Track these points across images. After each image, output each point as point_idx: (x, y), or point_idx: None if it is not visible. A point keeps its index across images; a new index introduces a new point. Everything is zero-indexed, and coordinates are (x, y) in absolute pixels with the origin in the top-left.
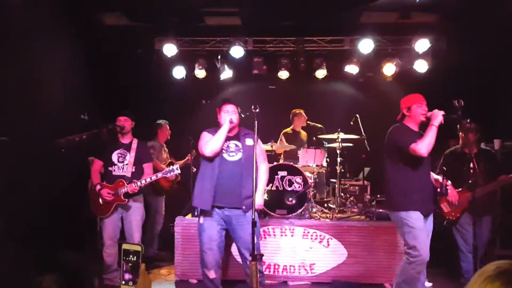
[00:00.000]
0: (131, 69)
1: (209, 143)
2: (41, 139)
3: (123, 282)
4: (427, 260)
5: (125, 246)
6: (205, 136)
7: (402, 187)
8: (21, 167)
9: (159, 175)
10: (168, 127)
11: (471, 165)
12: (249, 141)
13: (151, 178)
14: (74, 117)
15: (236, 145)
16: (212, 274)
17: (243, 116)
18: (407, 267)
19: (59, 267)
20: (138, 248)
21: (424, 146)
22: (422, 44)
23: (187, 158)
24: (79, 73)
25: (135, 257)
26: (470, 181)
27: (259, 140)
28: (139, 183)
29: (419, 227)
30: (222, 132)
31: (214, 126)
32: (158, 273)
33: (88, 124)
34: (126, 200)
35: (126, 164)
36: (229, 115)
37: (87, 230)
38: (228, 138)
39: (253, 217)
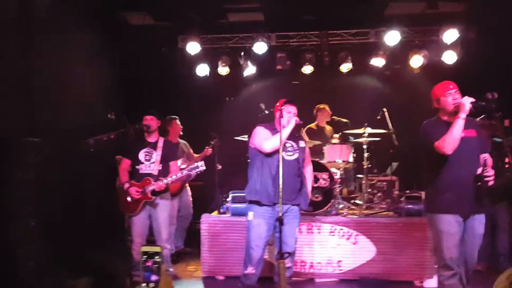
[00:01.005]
0: (156, 68)
1: (271, 140)
2: (70, 140)
3: (144, 284)
4: (455, 270)
5: (144, 248)
6: (261, 131)
7: (434, 186)
8: (51, 167)
9: (184, 172)
10: (178, 122)
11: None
12: (302, 143)
13: (176, 176)
14: (101, 116)
15: (292, 146)
16: (254, 270)
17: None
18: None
19: (93, 270)
20: (158, 249)
21: (446, 142)
22: (450, 35)
23: (204, 151)
24: (105, 72)
25: (155, 258)
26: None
27: (306, 144)
28: (165, 181)
29: (446, 231)
30: (286, 132)
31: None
32: (185, 270)
33: (115, 123)
34: (153, 198)
35: (153, 163)
36: (291, 115)
37: (116, 228)
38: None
39: (280, 214)
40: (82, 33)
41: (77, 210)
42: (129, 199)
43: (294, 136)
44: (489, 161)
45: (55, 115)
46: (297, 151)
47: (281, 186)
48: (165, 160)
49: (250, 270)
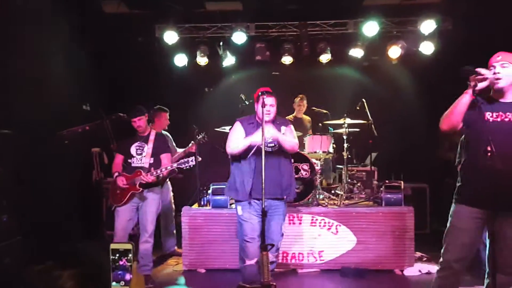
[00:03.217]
0: (132, 58)
1: (237, 144)
2: (43, 131)
3: (114, 283)
4: (456, 269)
5: (113, 246)
6: (235, 130)
7: (459, 172)
8: (24, 159)
9: (174, 165)
10: (168, 116)
11: None
12: (283, 129)
13: (166, 169)
14: (76, 108)
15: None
16: (254, 262)
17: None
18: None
19: (75, 262)
20: (129, 246)
21: (443, 117)
22: (427, 26)
23: (189, 146)
24: (79, 62)
25: (126, 255)
26: None
27: (291, 125)
28: (155, 173)
29: (456, 224)
30: (256, 138)
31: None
32: (166, 264)
33: (90, 115)
34: (141, 189)
35: (144, 156)
36: (266, 108)
37: (94, 221)
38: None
39: (263, 206)
40: (56, 22)
41: (52, 203)
42: (117, 190)
43: (275, 124)
44: None
45: (28, 106)
46: (277, 142)
47: (263, 180)
48: (156, 153)
49: (250, 262)
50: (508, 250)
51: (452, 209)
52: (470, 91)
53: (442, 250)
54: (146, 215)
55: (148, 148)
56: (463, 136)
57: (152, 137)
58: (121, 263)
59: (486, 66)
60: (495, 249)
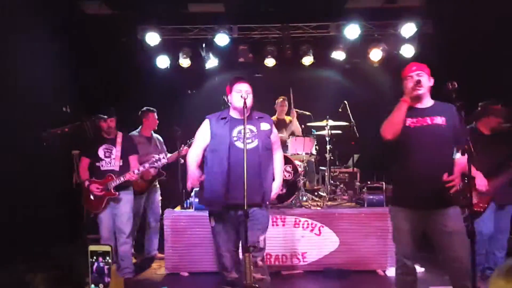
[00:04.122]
0: (114, 59)
1: (189, 157)
2: (23, 133)
3: (93, 286)
4: (409, 266)
5: (92, 248)
6: (199, 132)
7: (392, 177)
8: (2, 161)
9: (146, 165)
10: (156, 116)
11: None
12: (264, 126)
13: (140, 169)
14: (56, 110)
15: (251, 130)
16: (233, 275)
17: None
18: None
19: (50, 265)
20: (107, 248)
21: (385, 126)
22: (408, 29)
23: (180, 149)
24: (60, 64)
25: (105, 258)
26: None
27: (273, 125)
28: (136, 171)
29: (396, 225)
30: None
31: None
32: (148, 267)
33: (70, 117)
34: (117, 193)
35: (113, 159)
36: (241, 96)
37: (74, 225)
38: (240, 122)
39: (244, 207)
40: (36, 23)
41: (31, 205)
42: (92, 197)
43: (254, 118)
44: (460, 163)
45: (6, 108)
46: (257, 137)
47: (246, 183)
48: (125, 155)
49: (230, 275)
50: (451, 242)
51: (390, 211)
52: (406, 98)
53: (395, 248)
54: (121, 217)
55: (117, 150)
56: None
57: (119, 139)
58: (100, 265)
59: (464, 70)
60: (442, 247)
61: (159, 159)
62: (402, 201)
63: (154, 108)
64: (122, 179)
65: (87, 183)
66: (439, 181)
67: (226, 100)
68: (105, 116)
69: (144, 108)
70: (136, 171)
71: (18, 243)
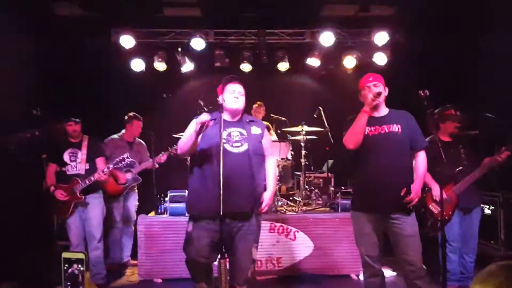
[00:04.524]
0: (86, 61)
1: (181, 141)
2: None
3: None
4: (375, 267)
5: (65, 255)
6: (188, 127)
7: (353, 182)
8: None
9: (110, 166)
10: (141, 124)
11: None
12: (255, 130)
13: (104, 171)
14: (25, 113)
15: (241, 133)
16: (203, 286)
17: (206, 110)
18: None
19: (16, 274)
20: (81, 255)
21: (347, 137)
22: (381, 37)
23: (159, 156)
24: (30, 66)
25: (78, 265)
26: (453, 172)
27: (265, 130)
28: (106, 169)
29: (358, 229)
30: (193, 124)
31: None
32: (120, 274)
33: (41, 120)
34: (83, 197)
35: (79, 163)
36: (234, 96)
37: (43, 232)
38: (230, 125)
39: (221, 212)
40: (4, 23)
41: None
42: (58, 202)
43: (244, 122)
44: (420, 172)
45: None
46: (247, 141)
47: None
48: (91, 158)
49: (198, 286)
50: (406, 245)
51: (351, 216)
52: (367, 108)
53: (359, 251)
54: (91, 221)
55: (82, 154)
56: None
57: (85, 143)
58: (74, 273)
59: (437, 76)
60: (398, 249)
61: (123, 159)
62: (362, 206)
63: (128, 112)
64: (87, 182)
65: (52, 188)
66: (397, 187)
67: (202, 104)
68: (76, 119)
69: (131, 114)
70: (105, 170)
71: None
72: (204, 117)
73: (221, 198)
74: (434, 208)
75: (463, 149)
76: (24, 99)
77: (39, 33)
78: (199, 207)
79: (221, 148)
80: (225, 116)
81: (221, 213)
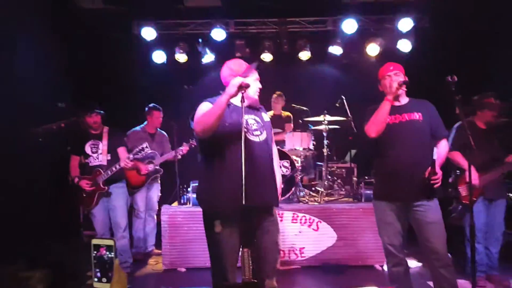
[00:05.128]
0: (109, 54)
1: (203, 117)
2: (17, 129)
3: (96, 279)
4: (399, 256)
5: (95, 241)
6: (203, 107)
7: (374, 172)
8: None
9: (131, 156)
10: (161, 114)
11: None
12: (265, 117)
13: (131, 157)
14: (51, 105)
15: (257, 121)
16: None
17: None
18: None
19: (48, 263)
20: (111, 242)
21: (369, 125)
22: (405, 23)
23: (189, 143)
24: (55, 59)
25: (107, 252)
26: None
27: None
28: (131, 156)
29: (380, 218)
30: (224, 98)
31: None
32: (145, 263)
33: (65, 112)
34: (107, 187)
35: (100, 154)
36: (258, 86)
37: (70, 222)
38: (245, 111)
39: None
40: (29, 17)
41: (26, 202)
42: (83, 194)
43: (255, 108)
44: (440, 158)
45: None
46: (264, 129)
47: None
48: (112, 148)
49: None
50: (429, 233)
51: (374, 205)
52: (390, 97)
53: (382, 241)
54: (115, 211)
55: (103, 145)
56: None
57: (105, 134)
58: (104, 259)
59: (461, 63)
60: (421, 237)
61: (142, 149)
62: (385, 194)
63: (149, 103)
64: (109, 172)
65: (76, 179)
66: (419, 174)
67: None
68: (97, 111)
69: (151, 105)
70: (130, 157)
71: (16, 241)
72: (239, 79)
73: (244, 190)
74: (463, 190)
75: (497, 139)
76: (49, 92)
77: (62, 27)
78: (224, 202)
79: (243, 136)
80: (238, 103)
81: (245, 206)
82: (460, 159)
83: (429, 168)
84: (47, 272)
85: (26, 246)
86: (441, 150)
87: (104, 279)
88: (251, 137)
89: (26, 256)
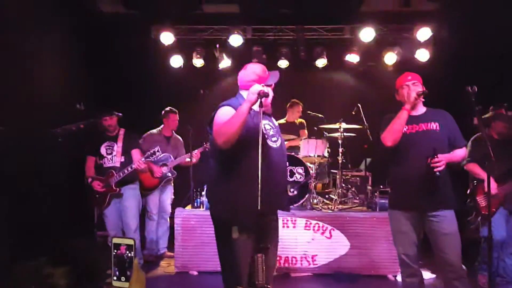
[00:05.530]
0: (128, 58)
1: (223, 129)
2: (37, 129)
3: (115, 278)
4: (413, 266)
5: (115, 240)
6: (224, 113)
7: (389, 181)
8: (17, 156)
9: (142, 159)
10: (177, 117)
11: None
12: (275, 122)
13: (139, 162)
14: (70, 106)
15: (271, 126)
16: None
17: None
18: None
19: (69, 261)
20: (130, 241)
21: (386, 134)
22: (423, 33)
23: (203, 147)
24: (74, 61)
25: (127, 251)
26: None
27: None
28: (143, 159)
29: (395, 228)
30: (246, 105)
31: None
32: (156, 265)
33: (84, 114)
34: (118, 189)
35: (115, 155)
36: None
37: (84, 222)
38: (263, 118)
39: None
40: (50, 20)
41: (45, 201)
42: (96, 194)
43: (268, 114)
44: (451, 154)
45: (20, 104)
46: (279, 134)
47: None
48: (126, 151)
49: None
50: (444, 244)
51: (389, 215)
52: (408, 107)
53: (397, 251)
54: (127, 211)
55: (118, 147)
56: None
57: (120, 136)
58: (123, 258)
59: (481, 73)
60: (436, 248)
61: (154, 152)
62: (400, 204)
63: (166, 107)
64: (121, 174)
65: (89, 180)
66: (434, 184)
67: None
68: (113, 113)
69: (167, 108)
70: (143, 159)
71: (37, 239)
72: (259, 87)
73: (263, 197)
74: (482, 200)
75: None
76: (69, 93)
77: (83, 30)
78: (243, 209)
79: (260, 142)
80: (255, 106)
81: (262, 212)
82: (478, 170)
83: (432, 153)
84: (69, 269)
85: (46, 244)
86: (457, 151)
87: (123, 278)
88: (270, 143)
89: (48, 253)
